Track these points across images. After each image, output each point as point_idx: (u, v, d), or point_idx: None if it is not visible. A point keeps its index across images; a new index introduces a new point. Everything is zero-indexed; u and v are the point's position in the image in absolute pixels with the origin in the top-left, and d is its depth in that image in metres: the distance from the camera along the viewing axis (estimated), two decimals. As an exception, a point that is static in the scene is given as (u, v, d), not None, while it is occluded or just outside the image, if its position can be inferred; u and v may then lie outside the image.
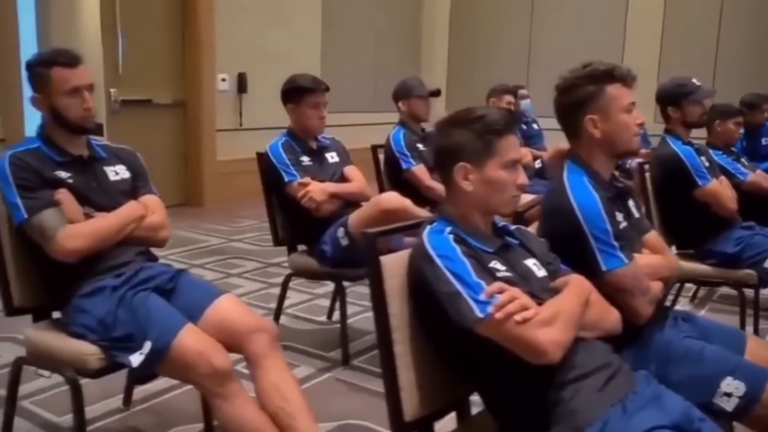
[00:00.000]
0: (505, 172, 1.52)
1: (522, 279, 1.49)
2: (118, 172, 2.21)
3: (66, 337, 1.98)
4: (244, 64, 6.69)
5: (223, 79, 6.54)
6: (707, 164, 3.10)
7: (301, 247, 3.15)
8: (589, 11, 8.14)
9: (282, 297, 3.09)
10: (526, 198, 3.90)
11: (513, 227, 1.68)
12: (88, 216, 2.05)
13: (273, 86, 7.43)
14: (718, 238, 3.04)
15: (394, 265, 1.49)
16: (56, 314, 2.13)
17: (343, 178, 3.08)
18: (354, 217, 2.78)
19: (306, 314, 3.59)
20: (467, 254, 1.43)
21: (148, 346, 1.84)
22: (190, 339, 1.86)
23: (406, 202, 2.72)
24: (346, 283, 3.00)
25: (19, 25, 5.13)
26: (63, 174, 2.06)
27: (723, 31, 7.50)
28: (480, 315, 1.35)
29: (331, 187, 2.94)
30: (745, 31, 7.37)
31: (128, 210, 2.12)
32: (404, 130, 3.63)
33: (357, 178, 3.10)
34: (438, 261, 1.42)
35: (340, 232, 2.82)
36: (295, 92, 3.02)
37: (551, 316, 1.36)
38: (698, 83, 3.13)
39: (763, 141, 5.03)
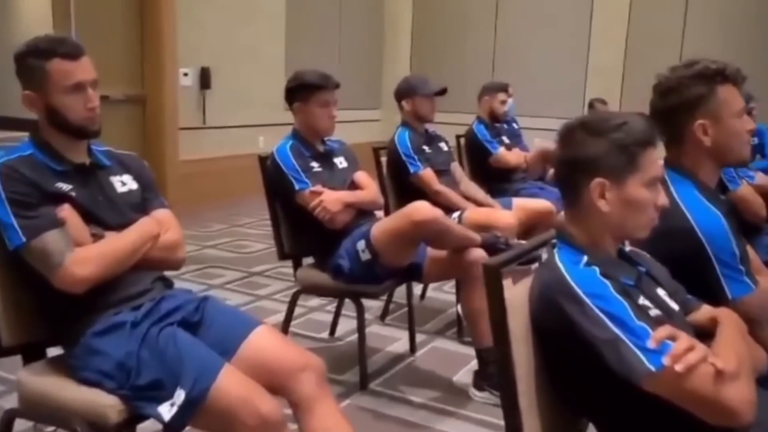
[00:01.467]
0: (647, 191, 1.29)
1: (667, 316, 1.26)
2: (125, 183, 1.88)
3: (74, 383, 1.65)
4: (208, 58, 6.30)
5: (186, 74, 6.13)
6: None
7: (306, 260, 2.87)
8: (555, 8, 8.05)
9: (289, 316, 2.78)
10: (535, 204, 3.75)
11: (628, 249, 1.45)
12: (96, 237, 1.72)
13: (238, 82, 7.22)
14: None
15: (517, 302, 1.24)
16: (52, 350, 1.80)
17: (353, 185, 2.81)
18: (379, 230, 2.51)
19: (305, 331, 3.30)
20: (620, 291, 1.19)
21: (181, 394, 1.53)
22: (232, 383, 1.56)
23: (438, 213, 2.47)
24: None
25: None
26: (64, 186, 1.72)
27: (688, 27, 7.52)
28: (651, 368, 1.10)
29: (347, 196, 2.66)
30: (710, 29, 7.40)
31: (142, 228, 1.80)
32: (409, 131, 3.38)
33: (369, 185, 2.83)
34: (588, 301, 1.18)
35: (360, 245, 2.54)
36: (302, 90, 2.72)
37: (736, 366, 1.13)
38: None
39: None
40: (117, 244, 1.72)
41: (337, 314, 3.23)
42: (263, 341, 1.74)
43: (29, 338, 1.76)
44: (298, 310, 3.53)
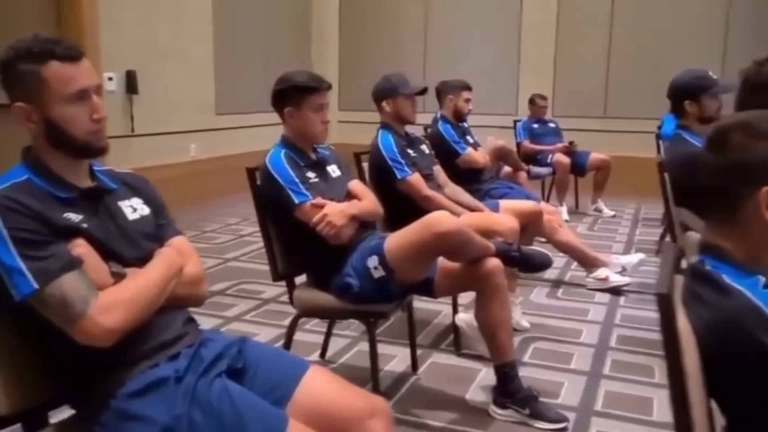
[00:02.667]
0: None
1: None
2: (135, 208, 1.59)
3: (104, 457, 1.36)
4: (133, 61, 5.84)
5: (110, 78, 5.65)
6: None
7: (299, 280, 2.62)
8: (485, 4, 8.04)
9: (288, 344, 2.52)
10: (523, 205, 3.63)
11: None
12: (116, 276, 1.44)
13: (166, 85, 6.76)
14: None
15: (687, 335, 1.07)
16: (53, 414, 1.49)
17: (349, 195, 2.58)
18: (394, 244, 2.30)
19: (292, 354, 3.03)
20: None
21: (247, 462, 1.29)
22: (301, 442, 1.33)
23: (462, 223, 2.28)
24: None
25: None
26: (73, 216, 1.42)
27: (615, 20, 7.68)
28: None
29: (350, 207, 2.43)
30: (638, 20, 7.59)
31: (165, 262, 1.52)
32: (391, 133, 3.18)
33: (366, 194, 2.60)
34: None
35: (372, 261, 2.32)
36: (294, 93, 2.46)
37: None
38: (715, 76, 2.97)
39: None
40: (143, 283, 1.44)
41: (328, 334, 2.99)
42: (319, 385, 1.51)
43: (32, 403, 1.45)
44: (276, 331, 3.29)
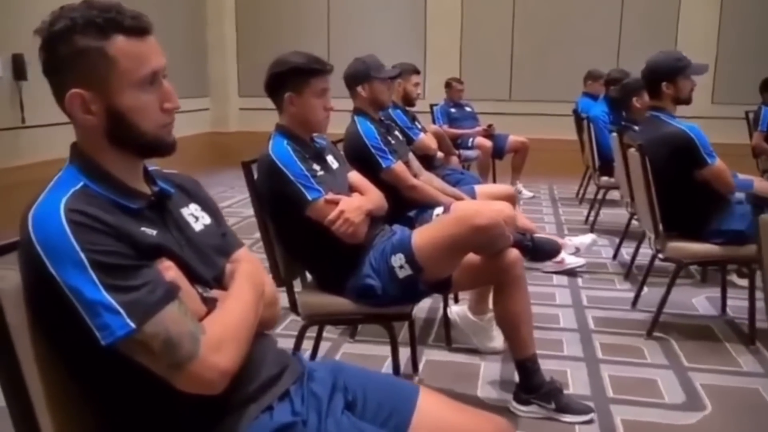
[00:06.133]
0: None
1: None
2: (197, 217, 1.31)
3: None
4: (20, 44, 5.17)
5: (-6, 63, 4.98)
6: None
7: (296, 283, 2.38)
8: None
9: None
10: (498, 189, 3.54)
11: None
12: (209, 303, 1.17)
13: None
14: (723, 217, 2.96)
15: None
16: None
17: (350, 189, 2.36)
18: (425, 239, 2.11)
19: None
20: None
21: None
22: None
23: (497, 214, 2.14)
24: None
25: None
26: (148, 231, 1.14)
27: (517, 7, 7.82)
28: None
29: (365, 202, 2.23)
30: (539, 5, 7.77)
31: (251, 281, 1.27)
32: (368, 120, 2.97)
33: (369, 188, 2.40)
34: None
35: (397, 260, 2.13)
36: (294, 76, 2.20)
37: None
38: (689, 58, 3.02)
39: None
40: (240, 309, 1.18)
41: (318, 338, 2.75)
42: (436, 410, 1.34)
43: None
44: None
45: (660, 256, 3.08)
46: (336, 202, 2.15)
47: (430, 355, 2.89)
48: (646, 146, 2.95)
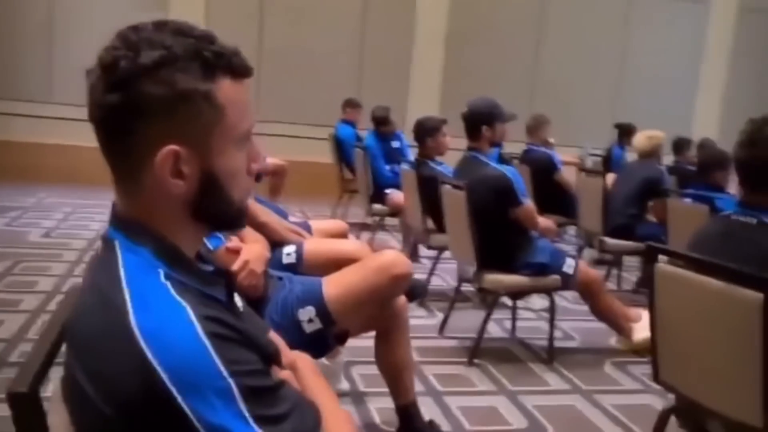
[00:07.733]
0: None
1: None
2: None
3: None
4: None
5: None
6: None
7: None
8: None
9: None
10: (329, 225, 3.41)
11: None
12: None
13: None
14: (529, 251, 3.29)
15: None
16: None
17: None
18: (339, 291, 1.95)
19: None
20: None
21: None
22: None
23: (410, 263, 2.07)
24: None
25: None
26: (251, 330, 0.88)
27: (265, 20, 7.76)
28: None
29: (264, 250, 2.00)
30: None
31: (310, 369, 1.07)
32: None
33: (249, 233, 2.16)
34: None
35: (306, 313, 1.94)
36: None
37: None
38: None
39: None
40: (331, 406, 0.98)
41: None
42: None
43: None
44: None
45: (475, 286, 3.30)
46: (237, 251, 1.90)
47: (377, 404, 2.70)
48: (470, 186, 3.16)
